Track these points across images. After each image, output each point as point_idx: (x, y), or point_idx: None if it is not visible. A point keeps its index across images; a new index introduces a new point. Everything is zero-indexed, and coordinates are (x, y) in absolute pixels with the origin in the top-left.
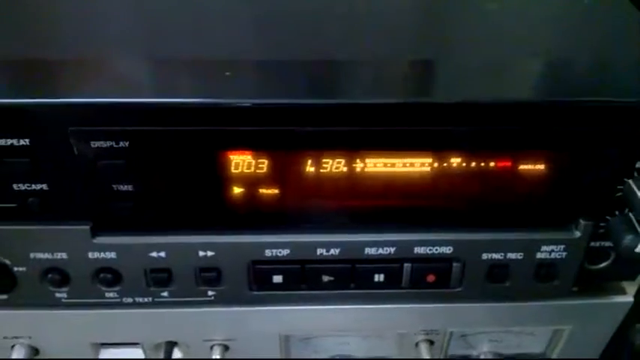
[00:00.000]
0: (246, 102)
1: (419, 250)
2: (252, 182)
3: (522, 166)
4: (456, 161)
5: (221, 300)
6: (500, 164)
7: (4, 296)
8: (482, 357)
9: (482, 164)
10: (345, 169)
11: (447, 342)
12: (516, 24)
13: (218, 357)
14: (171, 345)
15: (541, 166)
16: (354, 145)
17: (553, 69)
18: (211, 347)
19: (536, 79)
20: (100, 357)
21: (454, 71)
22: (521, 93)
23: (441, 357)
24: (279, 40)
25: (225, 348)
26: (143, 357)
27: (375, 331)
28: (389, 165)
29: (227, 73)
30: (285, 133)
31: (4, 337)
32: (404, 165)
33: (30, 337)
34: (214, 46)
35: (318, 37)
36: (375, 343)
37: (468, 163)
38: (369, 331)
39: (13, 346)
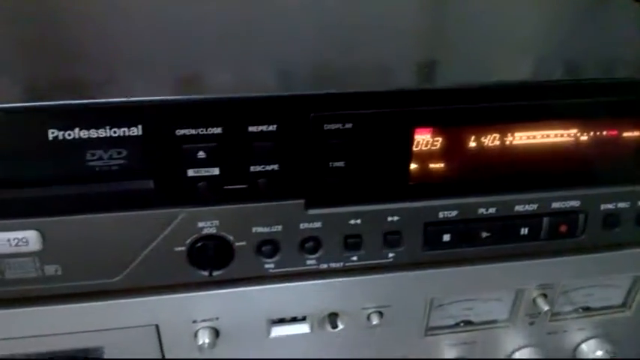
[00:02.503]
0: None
1: (555, 204)
2: (428, 156)
3: (626, 134)
4: (583, 131)
5: (398, 261)
6: (611, 133)
7: (220, 271)
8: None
9: (599, 133)
10: (498, 142)
11: (558, 296)
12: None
13: (377, 322)
14: (335, 316)
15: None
16: (505, 121)
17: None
18: (368, 316)
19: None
20: (272, 335)
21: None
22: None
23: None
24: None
25: (380, 314)
26: (309, 332)
27: (508, 286)
28: (531, 137)
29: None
30: (456, 112)
31: (193, 321)
32: (542, 137)
33: (217, 319)
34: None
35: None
36: (493, 306)
37: (588, 133)
38: (502, 289)
39: (196, 332)
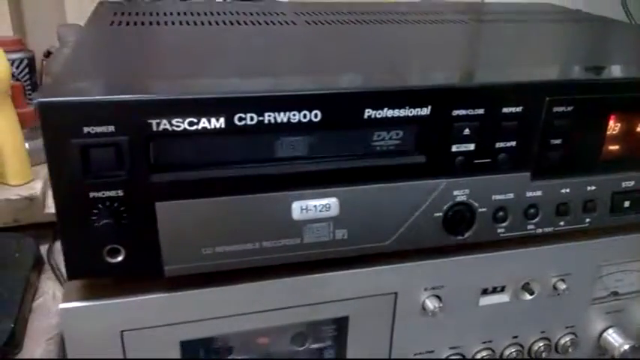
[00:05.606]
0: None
1: None
2: (617, 136)
3: None
4: None
5: (593, 225)
6: None
7: (465, 236)
8: None
9: None
10: None
11: None
12: None
13: (564, 288)
14: (529, 285)
15: None
16: None
17: None
18: (554, 285)
19: None
20: (480, 304)
21: None
22: None
23: None
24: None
25: (563, 281)
26: (508, 301)
27: None
28: None
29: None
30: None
31: (425, 289)
32: None
33: (443, 287)
34: None
35: None
36: (637, 276)
37: None
38: None
39: (424, 301)
